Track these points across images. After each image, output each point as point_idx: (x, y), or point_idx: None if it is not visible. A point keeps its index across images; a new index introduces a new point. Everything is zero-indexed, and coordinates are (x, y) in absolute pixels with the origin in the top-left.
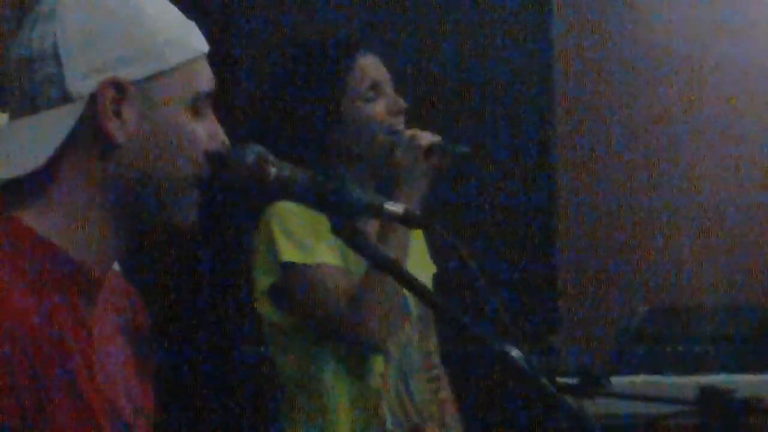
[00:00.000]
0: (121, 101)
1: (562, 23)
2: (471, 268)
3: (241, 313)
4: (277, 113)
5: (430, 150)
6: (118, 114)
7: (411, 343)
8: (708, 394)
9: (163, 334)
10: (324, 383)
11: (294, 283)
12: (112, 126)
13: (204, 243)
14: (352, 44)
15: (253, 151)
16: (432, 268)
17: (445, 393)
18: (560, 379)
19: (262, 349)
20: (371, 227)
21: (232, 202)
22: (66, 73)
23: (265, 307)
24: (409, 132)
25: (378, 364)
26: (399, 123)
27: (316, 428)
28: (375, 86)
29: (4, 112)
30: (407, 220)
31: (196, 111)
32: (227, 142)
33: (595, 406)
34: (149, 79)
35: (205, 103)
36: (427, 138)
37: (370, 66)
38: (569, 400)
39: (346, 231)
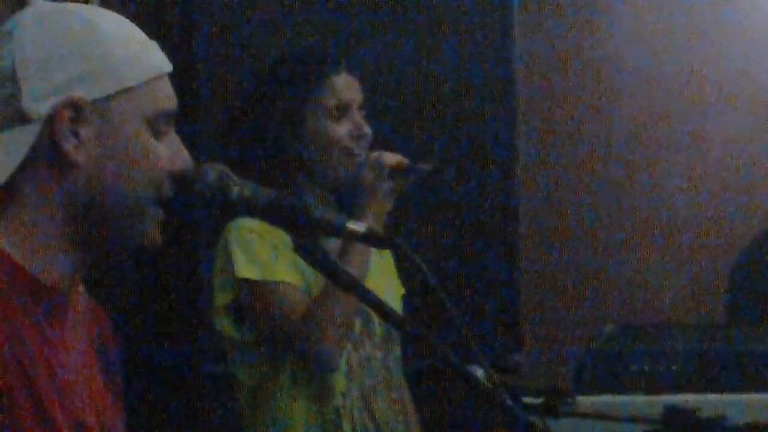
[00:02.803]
0: (78, 121)
1: (524, 26)
2: (434, 286)
3: (206, 330)
4: (243, 122)
5: (394, 170)
6: (75, 134)
7: (373, 361)
8: (672, 413)
9: (128, 353)
10: (279, 401)
11: (250, 300)
12: (70, 146)
13: (169, 260)
14: (327, 61)
15: (215, 170)
16: (401, 290)
17: (409, 414)
18: (525, 399)
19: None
20: (332, 245)
21: (195, 219)
22: (23, 93)
23: (222, 323)
24: (374, 153)
25: (339, 383)
26: (360, 148)
27: None
28: (342, 107)
29: None
30: (369, 239)
31: (157, 130)
32: (190, 161)
33: (560, 426)
34: (107, 98)
35: (166, 122)
36: (391, 158)
37: (342, 86)
38: (534, 419)
39: (308, 249)
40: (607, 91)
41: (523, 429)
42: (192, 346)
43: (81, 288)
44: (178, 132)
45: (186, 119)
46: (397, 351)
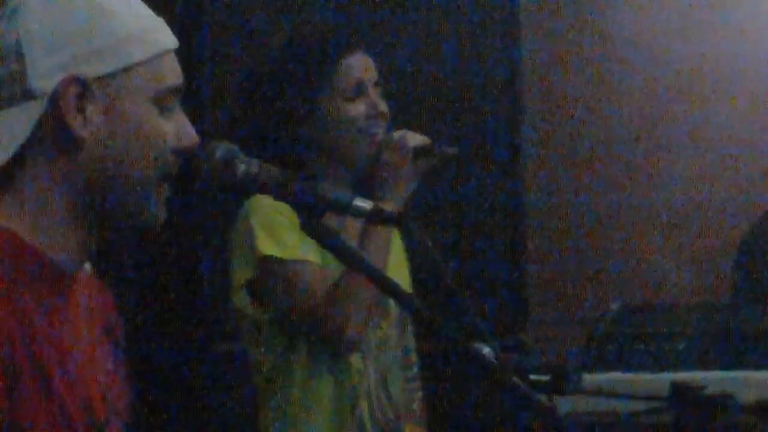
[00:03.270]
0: (84, 98)
1: (528, 25)
2: (441, 266)
3: (215, 310)
4: (257, 104)
5: (418, 151)
6: (81, 110)
7: (390, 341)
8: (680, 390)
9: (137, 333)
10: (299, 379)
11: (271, 278)
12: (76, 123)
13: (177, 239)
14: (341, 41)
15: (221, 148)
16: (407, 273)
17: (423, 392)
18: (532, 377)
19: (235, 346)
20: (354, 227)
21: (205, 197)
22: (28, 70)
23: (242, 302)
24: (397, 133)
25: (356, 361)
26: (377, 126)
27: (290, 425)
28: (358, 86)
29: None
30: (376, 217)
31: (162, 107)
32: (196, 138)
33: (567, 404)
34: (113, 75)
35: (172, 99)
36: (415, 139)
37: (357, 66)
38: (541, 397)
39: (316, 228)
40: (613, 77)
41: (530, 406)
42: (203, 326)
43: (87, 267)
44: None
45: (188, 106)
46: (412, 331)
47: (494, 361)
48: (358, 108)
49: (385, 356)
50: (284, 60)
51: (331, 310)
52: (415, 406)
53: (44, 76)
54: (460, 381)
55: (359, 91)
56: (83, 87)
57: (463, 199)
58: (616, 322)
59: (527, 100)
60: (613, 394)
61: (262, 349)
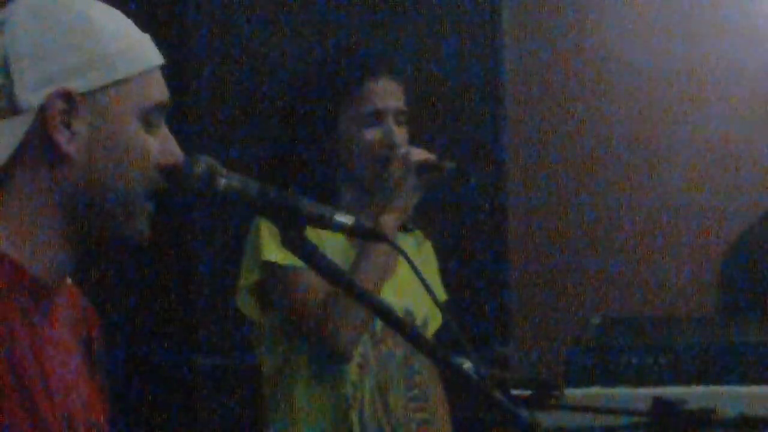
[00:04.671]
0: (70, 113)
1: (514, 24)
2: (422, 279)
3: (196, 322)
4: (281, 118)
5: (422, 166)
6: (68, 125)
7: (393, 358)
8: (660, 405)
9: (119, 345)
10: (298, 385)
11: (271, 283)
12: (62, 138)
13: (159, 252)
14: (368, 65)
15: (203, 162)
16: (441, 292)
17: (428, 415)
18: (513, 391)
19: (220, 360)
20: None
21: (186, 213)
22: (15, 84)
23: (246, 305)
24: (402, 149)
25: (353, 372)
26: (388, 154)
27: (285, 428)
28: (376, 114)
29: None
30: (357, 232)
31: (149, 123)
32: (181, 155)
33: (549, 418)
34: (100, 90)
35: (158, 115)
36: (419, 154)
37: (379, 93)
38: (522, 412)
39: (295, 242)
40: (598, 84)
41: (512, 421)
42: (188, 339)
43: (68, 282)
44: (175, 130)
45: (181, 118)
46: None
47: (475, 375)
48: (374, 135)
49: (385, 372)
50: (310, 79)
51: (324, 319)
52: (414, 427)
53: (31, 90)
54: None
55: (378, 117)
56: (70, 102)
57: (446, 207)
58: (597, 336)
59: (512, 104)
60: (594, 409)
61: (267, 355)
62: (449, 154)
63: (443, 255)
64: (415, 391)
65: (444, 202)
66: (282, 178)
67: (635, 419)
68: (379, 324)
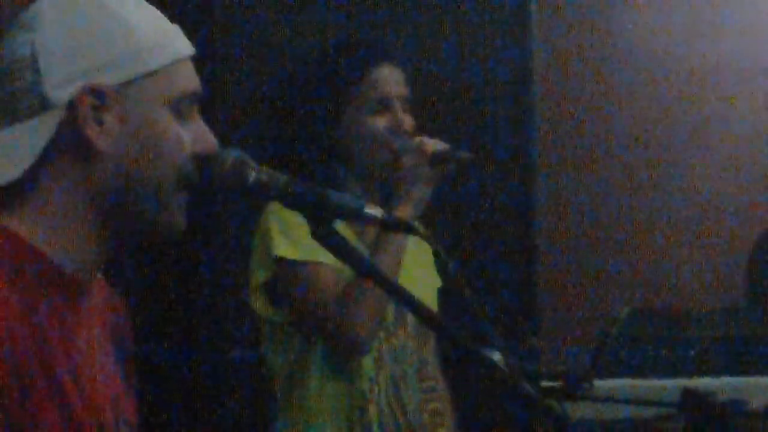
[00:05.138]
0: (101, 107)
1: (542, 24)
2: (452, 271)
3: (234, 315)
4: (284, 112)
5: (436, 157)
6: (99, 120)
7: (405, 350)
8: (690, 396)
9: (153, 339)
10: (311, 382)
11: (285, 279)
12: (93, 133)
13: (193, 245)
14: (370, 54)
15: (233, 155)
16: (437, 282)
17: (440, 405)
18: (543, 383)
19: (248, 352)
20: (371, 234)
21: (223, 203)
22: (44, 81)
23: (258, 302)
24: (416, 139)
25: (368, 367)
26: (399, 141)
27: (300, 424)
28: (383, 101)
29: None
30: (387, 224)
31: (180, 113)
32: (215, 143)
33: (577, 410)
34: (129, 83)
35: (189, 105)
36: (433, 144)
37: (385, 79)
38: (552, 403)
39: (325, 234)
40: (626, 75)
41: (540, 413)
42: (221, 333)
43: (99, 278)
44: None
45: (207, 112)
46: (433, 342)
47: (504, 367)
48: (381, 122)
49: (399, 365)
50: (313, 69)
51: (342, 312)
52: (427, 418)
53: (60, 87)
54: (474, 387)
55: (384, 105)
56: (100, 96)
57: (473, 200)
58: (626, 327)
59: (539, 100)
60: (623, 401)
61: (278, 351)
62: (475, 150)
63: (471, 247)
64: (427, 383)
65: (471, 194)
66: (286, 172)
67: (664, 410)
68: (391, 317)
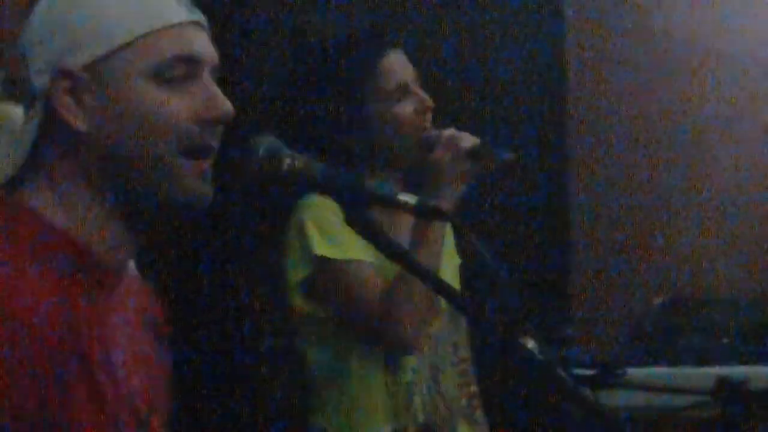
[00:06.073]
0: (76, 89)
1: (574, 17)
2: (486, 260)
3: (266, 306)
4: (296, 113)
5: (472, 153)
6: (79, 102)
7: (441, 337)
8: (724, 385)
9: (186, 330)
10: (354, 376)
11: (327, 278)
12: (69, 115)
13: (226, 236)
14: (376, 43)
15: (266, 142)
16: (457, 260)
17: (474, 387)
18: (576, 371)
19: (282, 341)
20: (406, 225)
21: (250, 193)
22: (30, 71)
23: (297, 300)
24: (447, 131)
25: (410, 358)
26: (426, 121)
27: (345, 421)
28: (401, 86)
29: (18, 105)
30: (421, 211)
31: (168, 81)
32: (227, 107)
33: (611, 398)
34: (100, 60)
35: (182, 70)
36: (469, 140)
37: (396, 65)
38: (585, 391)
39: (360, 222)
40: (658, 71)
41: (574, 400)
42: (253, 323)
43: (132, 265)
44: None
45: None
46: (464, 327)
47: (539, 355)
48: (406, 108)
49: (436, 352)
50: (323, 66)
51: (387, 313)
52: (465, 402)
53: (39, 75)
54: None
55: (404, 91)
56: (72, 79)
57: (508, 192)
58: (660, 317)
59: (572, 95)
60: (656, 389)
61: (317, 346)
62: (511, 144)
63: (506, 238)
64: (461, 366)
65: (506, 187)
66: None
67: (698, 399)
68: None
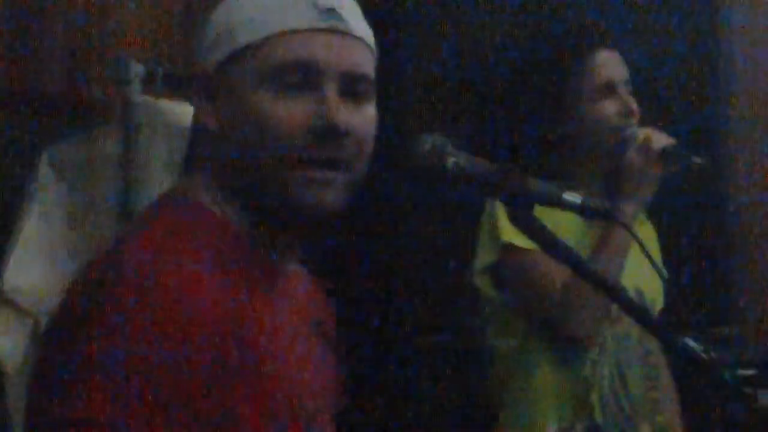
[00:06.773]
0: (208, 89)
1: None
2: (651, 261)
3: (415, 303)
4: (505, 102)
5: (665, 155)
6: (213, 102)
7: (629, 337)
8: None
9: (356, 329)
10: (533, 364)
11: (511, 265)
12: (202, 114)
13: (390, 229)
14: (588, 40)
15: (432, 140)
16: (664, 272)
17: (660, 394)
18: (741, 371)
19: (439, 337)
20: (594, 232)
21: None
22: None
23: (483, 283)
24: (643, 132)
25: (591, 351)
26: (629, 125)
27: (523, 409)
28: (607, 85)
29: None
30: (585, 210)
31: (285, 86)
32: (333, 119)
33: None
34: (226, 62)
35: (300, 78)
36: (661, 140)
37: (606, 64)
38: (749, 390)
39: (525, 221)
40: None
41: (738, 400)
42: (402, 319)
43: (298, 263)
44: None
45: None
46: None
47: (703, 355)
48: (610, 108)
49: (623, 351)
50: (531, 60)
51: (564, 308)
52: (650, 406)
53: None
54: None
55: (610, 89)
56: (206, 79)
57: (668, 190)
58: None
59: (734, 90)
60: None
61: (501, 332)
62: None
63: (668, 237)
64: (649, 370)
65: (666, 185)
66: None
67: None
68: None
